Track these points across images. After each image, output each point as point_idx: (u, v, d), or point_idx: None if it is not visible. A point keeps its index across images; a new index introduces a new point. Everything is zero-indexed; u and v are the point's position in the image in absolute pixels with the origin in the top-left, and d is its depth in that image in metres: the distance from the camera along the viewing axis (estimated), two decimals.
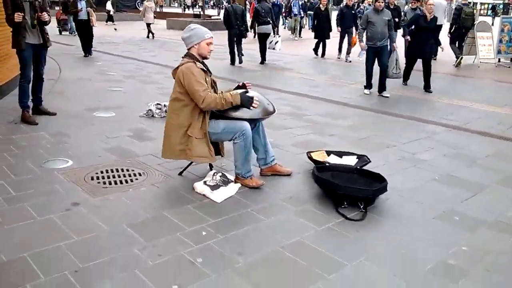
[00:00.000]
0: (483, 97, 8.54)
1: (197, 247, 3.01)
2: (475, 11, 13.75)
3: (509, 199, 4.02)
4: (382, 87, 8.46)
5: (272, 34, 12.20)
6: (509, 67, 12.82)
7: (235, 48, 11.88)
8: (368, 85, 8.73)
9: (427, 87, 8.94)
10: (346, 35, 13.23)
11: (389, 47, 8.56)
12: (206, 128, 3.91)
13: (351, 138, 5.70)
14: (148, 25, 19.10)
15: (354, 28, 13.23)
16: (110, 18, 27.20)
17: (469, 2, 12.96)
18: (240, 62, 12.03)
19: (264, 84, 9.26)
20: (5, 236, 3.07)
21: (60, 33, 19.62)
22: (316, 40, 13.96)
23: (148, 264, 2.80)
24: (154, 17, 19.60)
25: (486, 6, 56.36)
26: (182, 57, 3.98)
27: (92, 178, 4.10)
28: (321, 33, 13.64)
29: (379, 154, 5.08)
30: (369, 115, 7.07)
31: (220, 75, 8.87)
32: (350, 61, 13.11)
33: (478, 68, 12.52)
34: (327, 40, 13.86)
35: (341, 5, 16.23)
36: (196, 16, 29.77)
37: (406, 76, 9.46)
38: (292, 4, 20.49)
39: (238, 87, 4.24)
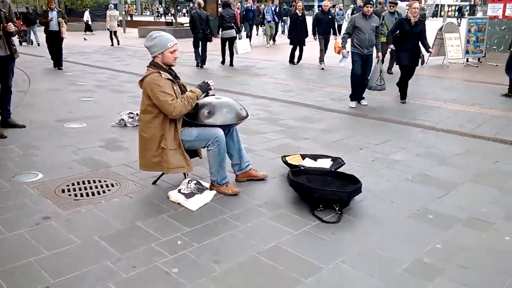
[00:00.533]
0: (453, 97, 8.70)
1: (172, 257, 2.97)
2: (443, 13, 14.40)
3: (481, 195, 4.09)
4: (360, 96, 8.00)
5: (238, 37, 13.11)
6: (477, 66, 13.11)
7: (200, 51, 12.55)
8: (354, 95, 7.95)
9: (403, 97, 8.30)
10: (324, 41, 12.74)
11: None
12: (179, 138, 3.86)
13: (325, 141, 5.72)
14: (114, 33, 19.80)
15: (332, 34, 12.75)
16: (88, 28, 27.57)
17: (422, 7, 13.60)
18: (200, 66, 12.65)
19: (238, 89, 9.25)
20: None
21: (21, 44, 19.33)
22: (292, 46, 13.31)
23: (122, 277, 2.74)
24: (118, 25, 20.34)
25: (453, 7, 57.84)
26: (147, 66, 3.91)
27: (63, 191, 4.01)
28: (297, 40, 13.07)
29: (353, 156, 5.11)
30: (343, 118, 7.12)
31: (191, 82, 8.81)
32: (323, 68, 12.68)
33: (447, 68, 12.76)
34: (304, 47, 13.37)
35: (317, 11, 15.40)
36: (168, 24, 29.55)
37: (403, 90, 8.27)
38: (264, 11, 19.57)
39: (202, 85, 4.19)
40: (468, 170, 4.74)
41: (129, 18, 34.66)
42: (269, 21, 19.28)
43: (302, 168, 4.37)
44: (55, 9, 11.85)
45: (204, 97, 4.03)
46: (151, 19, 47.73)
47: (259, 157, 5.01)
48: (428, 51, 8.52)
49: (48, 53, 12.29)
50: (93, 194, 3.97)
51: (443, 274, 2.84)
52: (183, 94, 3.89)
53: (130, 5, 43.94)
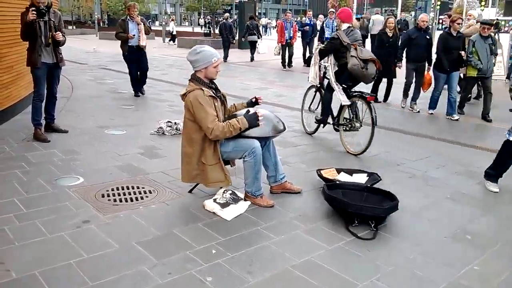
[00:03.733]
0: (495, 114, 8.45)
1: (207, 266, 3.00)
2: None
3: None
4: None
5: (258, 40, 17.89)
6: None
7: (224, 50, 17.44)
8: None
9: None
10: (416, 72, 8.73)
11: None
12: (219, 154, 3.91)
13: (361, 155, 5.67)
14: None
15: (427, 62, 8.57)
16: (173, 38, 29.53)
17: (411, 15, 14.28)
18: (224, 60, 16.09)
19: (274, 101, 9.29)
20: (16, 253, 3.08)
21: None
22: (375, 79, 7.69)
23: (157, 283, 2.79)
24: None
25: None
26: (189, 80, 3.95)
27: (103, 196, 4.13)
28: (385, 69, 7.89)
29: (389, 171, 5.05)
30: (380, 132, 7.01)
31: (229, 92, 8.91)
32: (419, 111, 8.66)
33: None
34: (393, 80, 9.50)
35: (409, 28, 11.61)
36: (207, 34, 30.04)
37: None
38: (324, 25, 14.75)
39: (250, 102, 4.28)
40: (507, 189, 4.61)
41: (168, 29, 35.20)
42: (327, 38, 13.78)
43: (337, 182, 4.35)
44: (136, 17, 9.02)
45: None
46: (189, 29, 48.36)
47: (295, 170, 5.02)
48: None
49: (91, 60, 12.34)
50: (131, 200, 4.07)
51: None
52: (228, 107, 3.91)
53: (170, 15, 44.71)
